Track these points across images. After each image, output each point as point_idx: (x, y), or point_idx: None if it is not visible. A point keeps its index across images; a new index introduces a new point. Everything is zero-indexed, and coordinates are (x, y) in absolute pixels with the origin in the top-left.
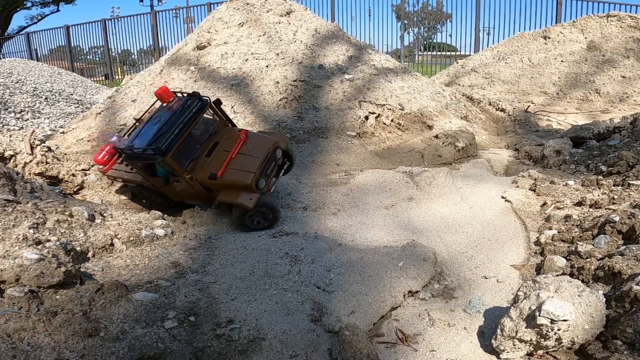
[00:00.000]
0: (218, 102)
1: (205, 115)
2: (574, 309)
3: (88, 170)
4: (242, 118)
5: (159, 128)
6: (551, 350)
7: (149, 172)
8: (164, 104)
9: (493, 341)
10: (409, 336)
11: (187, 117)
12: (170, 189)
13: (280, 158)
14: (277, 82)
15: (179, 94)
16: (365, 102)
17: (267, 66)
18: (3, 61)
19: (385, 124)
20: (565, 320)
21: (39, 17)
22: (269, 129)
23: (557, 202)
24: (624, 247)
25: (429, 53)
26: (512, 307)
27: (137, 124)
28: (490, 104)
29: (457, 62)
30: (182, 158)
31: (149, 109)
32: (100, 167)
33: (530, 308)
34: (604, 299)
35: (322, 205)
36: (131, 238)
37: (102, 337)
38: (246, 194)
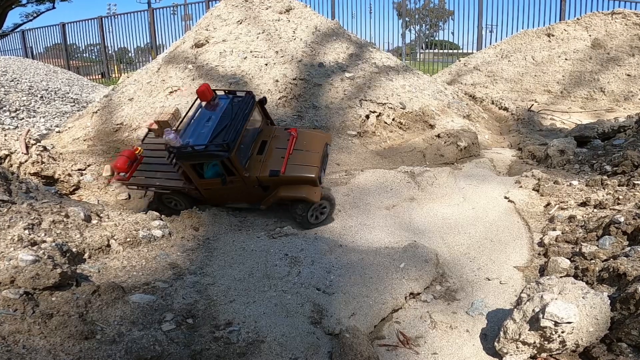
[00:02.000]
0: (264, 101)
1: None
2: (578, 311)
3: (84, 170)
4: None
5: (215, 126)
6: (555, 353)
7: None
8: (203, 102)
9: (496, 344)
10: (411, 339)
11: (242, 115)
12: (212, 192)
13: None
14: (277, 81)
15: (220, 92)
16: (366, 100)
17: (266, 64)
18: None
19: (386, 123)
20: (569, 323)
21: (35, 15)
22: None
23: (561, 202)
24: (629, 248)
25: (430, 51)
26: (515, 309)
27: (178, 124)
28: (493, 103)
29: (460, 60)
30: (240, 156)
31: (191, 107)
32: (122, 174)
33: (533, 310)
34: (609, 301)
35: None
36: (128, 239)
37: (99, 340)
38: (310, 188)
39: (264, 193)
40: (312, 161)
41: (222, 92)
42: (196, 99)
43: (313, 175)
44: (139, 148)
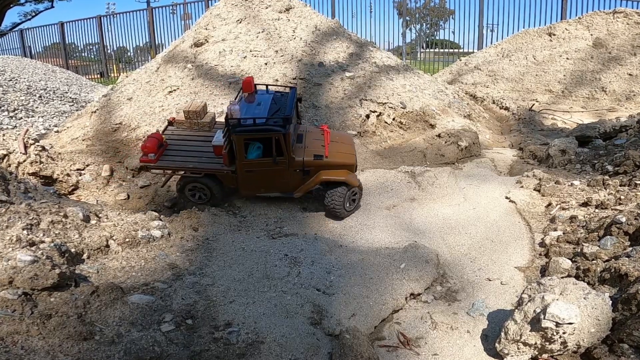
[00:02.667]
0: (300, 99)
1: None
2: (579, 311)
3: (83, 170)
4: None
5: (269, 109)
6: (556, 353)
7: (231, 157)
8: (244, 93)
9: (497, 345)
10: (411, 339)
11: (290, 103)
12: (249, 177)
13: None
14: (277, 80)
15: (263, 86)
16: (366, 100)
17: (265, 64)
18: None
19: (386, 122)
20: (570, 324)
21: (33, 14)
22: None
23: (563, 202)
24: (631, 248)
25: (431, 50)
26: (516, 310)
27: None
28: (494, 103)
29: (460, 60)
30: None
31: (236, 97)
32: (150, 156)
33: (535, 311)
34: (610, 301)
35: (322, 206)
36: (127, 239)
37: (97, 341)
38: (349, 173)
39: (303, 178)
40: (349, 150)
41: (263, 87)
42: (240, 90)
43: (354, 162)
44: (163, 136)
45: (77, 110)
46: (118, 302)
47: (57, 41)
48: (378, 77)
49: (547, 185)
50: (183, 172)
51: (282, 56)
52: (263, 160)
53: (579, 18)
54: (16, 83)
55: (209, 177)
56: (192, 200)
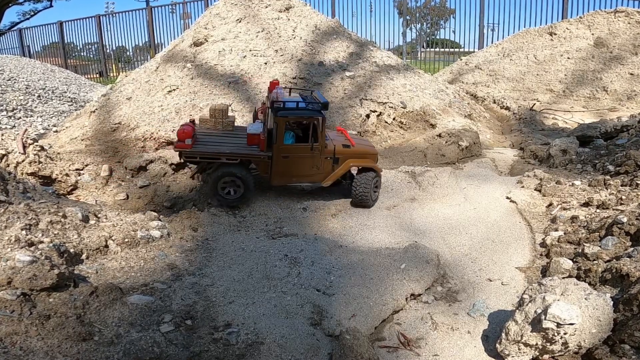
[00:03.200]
0: (326, 106)
1: None
2: (580, 312)
3: (82, 170)
4: (240, 116)
5: (303, 99)
6: (557, 354)
7: (270, 142)
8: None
9: (497, 345)
10: (412, 340)
11: (320, 97)
12: (284, 164)
13: None
14: (276, 80)
15: (287, 88)
16: (366, 100)
17: (265, 63)
18: None
19: (387, 122)
20: (571, 324)
21: (32, 13)
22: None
23: (564, 202)
24: (632, 249)
25: (431, 50)
26: (517, 311)
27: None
28: (494, 102)
29: (461, 59)
30: None
31: (267, 96)
32: (186, 141)
33: (535, 311)
34: (612, 302)
35: (322, 206)
36: (126, 239)
37: (96, 341)
38: (374, 161)
39: (332, 167)
40: (369, 142)
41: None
42: (269, 88)
43: (376, 151)
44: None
45: (76, 110)
46: (117, 302)
47: (56, 40)
48: (378, 76)
49: (548, 185)
50: (217, 160)
51: (282, 56)
52: (299, 145)
53: (580, 17)
54: (15, 83)
55: (243, 167)
56: (222, 197)
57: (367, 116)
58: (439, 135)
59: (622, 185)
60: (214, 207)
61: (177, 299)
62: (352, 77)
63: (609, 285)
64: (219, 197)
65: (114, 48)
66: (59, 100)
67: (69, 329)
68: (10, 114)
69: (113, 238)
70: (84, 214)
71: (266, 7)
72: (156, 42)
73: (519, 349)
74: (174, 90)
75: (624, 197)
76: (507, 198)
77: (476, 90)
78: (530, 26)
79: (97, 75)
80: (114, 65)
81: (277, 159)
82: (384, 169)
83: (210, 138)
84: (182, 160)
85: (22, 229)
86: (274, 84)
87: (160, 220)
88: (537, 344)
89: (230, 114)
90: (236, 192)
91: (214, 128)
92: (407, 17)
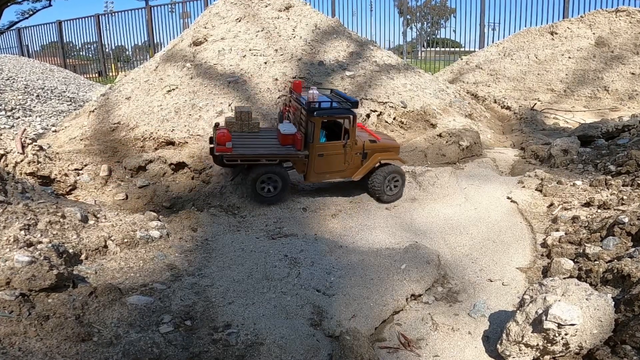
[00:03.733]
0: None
1: None
2: (581, 313)
3: (81, 170)
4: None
5: (330, 99)
6: (558, 355)
7: (305, 142)
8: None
9: (498, 346)
10: (412, 341)
11: (345, 96)
12: (320, 161)
13: None
14: (276, 79)
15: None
16: (366, 99)
17: (265, 63)
18: None
19: (387, 122)
20: (572, 325)
21: (31, 12)
22: (268, 127)
23: (565, 202)
24: (634, 249)
25: (432, 49)
26: (518, 311)
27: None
28: (495, 102)
29: (462, 59)
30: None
31: (290, 97)
32: (227, 144)
33: (536, 312)
34: (613, 302)
35: (322, 206)
36: (125, 240)
37: (96, 342)
38: (398, 155)
39: (361, 161)
40: (390, 136)
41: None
42: (291, 89)
43: (399, 145)
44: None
45: (75, 109)
46: (116, 303)
47: (55, 40)
48: (378, 76)
49: (549, 186)
50: (258, 161)
51: (281, 55)
52: (333, 143)
53: (581, 17)
54: (13, 82)
55: (280, 166)
56: (259, 195)
57: (368, 116)
58: (440, 135)
59: (623, 185)
60: (214, 207)
61: (177, 299)
62: (352, 77)
63: (610, 286)
64: (258, 195)
65: (113, 47)
66: (58, 100)
67: (68, 329)
68: (8, 113)
69: (112, 238)
70: (83, 214)
71: (266, 6)
72: (155, 41)
73: (519, 350)
74: (174, 89)
75: (625, 197)
76: (508, 198)
77: (477, 89)
78: (531, 25)
79: (96, 75)
80: (113, 65)
81: (313, 157)
82: None
83: (243, 140)
84: (217, 164)
85: (20, 229)
86: (297, 84)
87: (159, 220)
88: (538, 345)
89: (230, 114)
90: (275, 189)
91: (240, 130)
92: (408, 17)
